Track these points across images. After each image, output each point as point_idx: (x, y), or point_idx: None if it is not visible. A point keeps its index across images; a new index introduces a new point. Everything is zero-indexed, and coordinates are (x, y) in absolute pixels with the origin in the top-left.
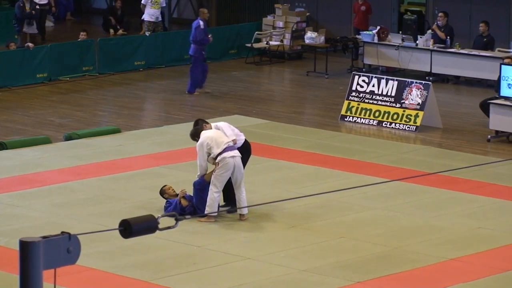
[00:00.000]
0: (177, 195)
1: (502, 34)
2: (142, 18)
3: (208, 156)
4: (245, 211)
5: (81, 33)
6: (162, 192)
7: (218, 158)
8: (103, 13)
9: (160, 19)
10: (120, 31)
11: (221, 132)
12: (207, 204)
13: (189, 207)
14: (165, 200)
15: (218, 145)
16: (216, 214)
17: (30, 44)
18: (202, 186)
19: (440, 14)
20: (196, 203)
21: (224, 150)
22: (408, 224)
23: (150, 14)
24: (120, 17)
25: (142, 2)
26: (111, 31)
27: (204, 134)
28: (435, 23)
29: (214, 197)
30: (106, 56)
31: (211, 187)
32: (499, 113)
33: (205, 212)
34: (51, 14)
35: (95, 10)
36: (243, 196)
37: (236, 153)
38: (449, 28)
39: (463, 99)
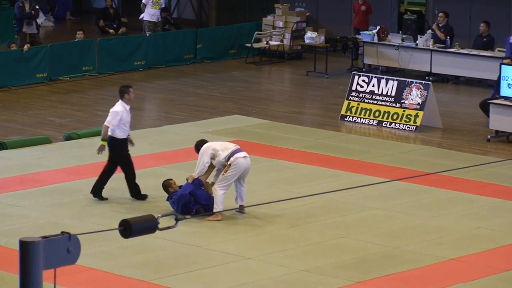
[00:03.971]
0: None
1: (502, 34)
2: (140, 17)
3: (213, 159)
4: (243, 201)
5: (78, 32)
6: (167, 186)
7: (231, 158)
8: (98, 12)
9: (160, 19)
10: (111, 31)
11: (224, 142)
12: (215, 202)
13: (194, 203)
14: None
15: (225, 148)
16: (221, 212)
17: (25, 47)
18: (196, 186)
19: (440, 14)
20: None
21: (235, 152)
22: (408, 224)
23: (150, 14)
24: (113, 17)
25: (143, 1)
26: (108, 30)
27: (208, 143)
28: (435, 23)
29: (222, 195)
30: (106, 56)
31: (217, 187)
32: (499, 113)
33: (214, 211)
34: (50, 14)
35: (95, 10)
36: (243, 190)
37: (247, 154)
38: (449, 28)
39: (463, 99)
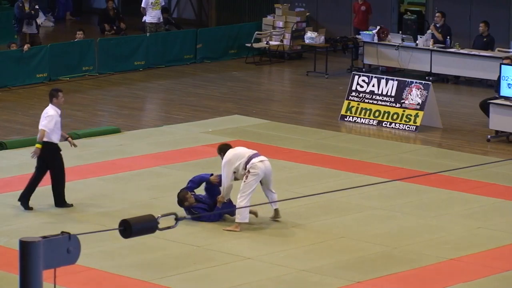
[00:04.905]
0: (197, 200)
1: (502, 34)
2: (143, 20)
3: (235, 173)
4: (276, 205)
5: (78, 32)
6: (183, 200)
7: (248, 165)
8: (99, 13)
9: (161, 20)
10: (109, 33)
11: (242, 148)
12: (238, 211)
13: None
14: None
15: (242, 156)
16: (247, 221)
17: (25, 47)
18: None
19: (437, 14)
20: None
21: (251, 157)
22: (408, 224)
23: (151, 16)
24: (113, 18)
25: (142, 5)
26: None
27: (230, 152)
28: (433, 23)
29: (244, 204)
30: (106, 56)
31: (240, 197)
32: (499, 113)
33: (236, 221)
34: (51, 14)
35: (95, 10)
36: (274, 196)
37: (264, 158)
38: (446, 27)
39: (463, 99)
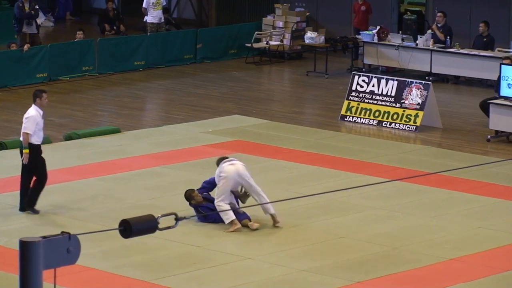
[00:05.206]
0: (206, 199)
1: (502, 34)
2: (144, 20)
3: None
4: (273, 210)
5: (78, 32)
6: (190, 198)
7: (218, 170)
8: (99, 14)
9: (163, 20)
10: (109, 34)
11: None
12: (224, 213)
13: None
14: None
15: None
16: (234, 218)
17: (25, 47)
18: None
19: (438, 14)
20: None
21: (224, 163)
22: (408, 224)
23: (153, 16)
24: (113, 19)
25: (144, 5)
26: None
27: (219, 167)
28: (434, 23)
29: (224, 207)
30: (106, 56)
31: (217, 202)
32: (499, 113)
33: (226, 223)
34: (51, 14)
35: (95, 10)
36: (265, 200)
37: (236, 161)
38: (447, 27)
39: (463, 99)
